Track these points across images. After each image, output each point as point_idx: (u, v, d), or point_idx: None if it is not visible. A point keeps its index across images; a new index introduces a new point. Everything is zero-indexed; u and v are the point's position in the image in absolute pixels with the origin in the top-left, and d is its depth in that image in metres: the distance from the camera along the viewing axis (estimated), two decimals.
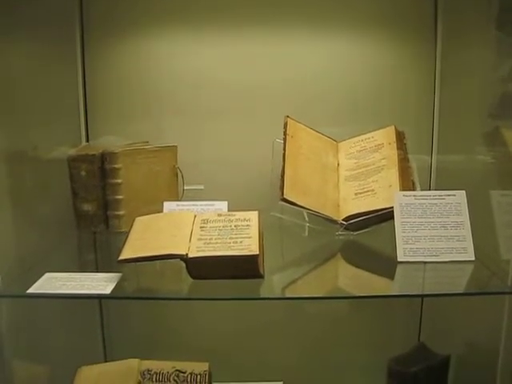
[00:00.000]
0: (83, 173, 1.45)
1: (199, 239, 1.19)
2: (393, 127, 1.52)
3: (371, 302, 1.66)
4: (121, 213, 1.45)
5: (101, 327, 1.72)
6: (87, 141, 1.64)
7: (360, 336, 1.72)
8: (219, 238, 1.19)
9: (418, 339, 1.70)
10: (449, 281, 1.27)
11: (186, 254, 1.15)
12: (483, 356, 1.45)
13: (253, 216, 1.25)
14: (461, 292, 1.24)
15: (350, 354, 1.71)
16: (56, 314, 1.51)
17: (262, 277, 1.16)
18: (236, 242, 1.17)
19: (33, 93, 1.38)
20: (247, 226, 1.22)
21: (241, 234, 1.20)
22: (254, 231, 1.20)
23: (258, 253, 1.14)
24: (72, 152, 1.48)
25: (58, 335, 1.54)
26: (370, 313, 1.71)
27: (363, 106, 1.63)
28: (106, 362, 1.63)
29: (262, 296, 1.19)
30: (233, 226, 1.23)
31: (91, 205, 1.47)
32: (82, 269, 1.30)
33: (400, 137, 1.51)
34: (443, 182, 1.61)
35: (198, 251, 1.16)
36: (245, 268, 1.15)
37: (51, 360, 1.49)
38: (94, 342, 1.70)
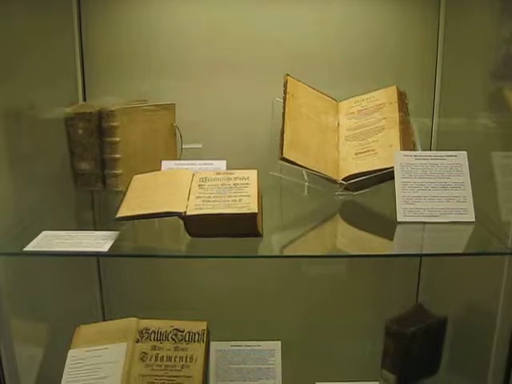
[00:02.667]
0: (80, 131, 1.44)
1: (197, 197, 1.19)
2: (394, 87, 1.50)
3: (370, 263, 1.66)
4: (118, 171, 1.44)
5: (99, 287, 1.72)
6: (84, 101, 1.62)
7: (358, 297, 1.73)
8: (218, 196, 1.19)
9: (416, 300, 1.71)
10: (448, 241, 1.27)
11: (184, 212, 1.14)
12: (481, 317, 1.46)
13: (252, 174, 1.25)
14: (460, 252, 1.23)
15: (349, 315, 1.72)
16: (54, 274, 1.51)
17: (260, 235, 1.16)
18: (235, 201, 1.17)
19: (29, 52, 1.35)
20: (246, 184, 1.22)
21: (239, 193, 1.19)
22: (253, 190, 1.20)
23: (256, 211, 1.13)
24: (69, 110, 1.46)
25: (57, 294, 1.54)
26: (369, 274, 1.71)
27: (365, 67, 1.60)
28: (104, 321, 1.64)
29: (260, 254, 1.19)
30: (231, 185, 1.22)
31: (88, 163, 1.45)
32: (80, 227, 1.29)
33: (401, 97, 1.49)
34: (444, 145, 1.59)
35: (196, 209, 1.15)
36: (243, 226, 1.14)
37: (50, 319, 1.50)
38: (92, 301, 1.71)
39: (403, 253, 1.31)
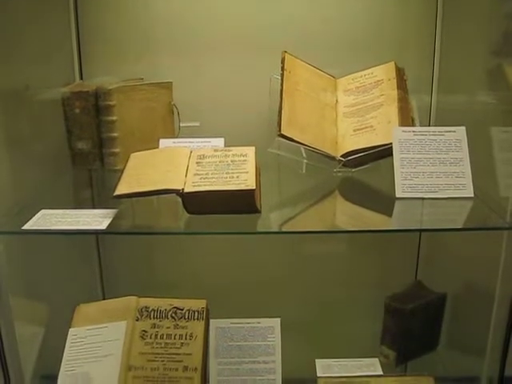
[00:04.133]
0: (77, 110, 1.43)
1: (195, 174, 1.19)
2: (393, 63, 1.48)
3: (369, 240, 1.66)
4: (116, 150, 1.44)
5: (99, 265, 1.72)
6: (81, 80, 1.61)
7: (358, 274, 1.73)
8: (215, 173, 1.18)
9: (415, 277, 1.71)
10: (447, 217, 1.27)
11: (182, 189, 1.14)
12: (479, 293, 1.46)
13: (249, 151, 1.24)
14: (459, 227, 1.23)
15: (348, 292, 1.72)
16: (54, 253, 1.51)
17: (258, 212, 1.16)
18: (232, 177, 1.17)
19: (26, 32, 1.35)
20: (244, 161, 1.21)
21: (237, 169, 1.19)
22: (251, 166, 1.20)
23: (254, 187, 1.13)
24: (65, 89, 1.45)
25: (57, 273, 1.55)
26: (368, 251, 1.71)
27: (363, 44, 1.59)
28: (104, 299, 1.64)
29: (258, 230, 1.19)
30: (229, 162, 1.22)
31: (86, 143, 1.45)
32: (78, 206, 1.29)
33: (400, 73, 1.48)
34: (443, 121, 1.58)
35: (194, 186, 1.15)
36: (241, 203, 1.14)
37: (50, 298, 1.50)
38: (92, 279, 1.71)
39: (402, 228, 1.31)
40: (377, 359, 1.51)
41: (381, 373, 1.47)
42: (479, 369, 1.37)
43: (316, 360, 1.49)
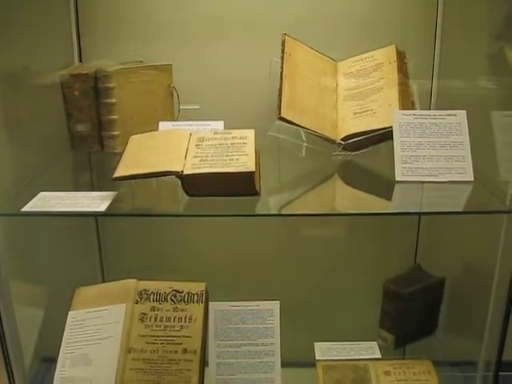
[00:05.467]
0: (76, 93, 1.42)
1: (195, 157, 1.18)
2: (393, 46, 1.47)
3: (368, 224, 1.67)
4: (115, 133, 1.43)
5: (98, 248, 1.72)
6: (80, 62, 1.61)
7: (357, 258, 1.73)
8: (215, 156, 1.18)
9: (415, 261, 1.71)
10: (447, 200, 1.27)
11: (182, 171, 1.14)
12: (478, 277, 1.47)
13: (249, 134, 1.24)
14: (459, 210, 1.23)
15: (347, 276, 1.72)
16: (53, 236, 1.51)
17: (258, 194, 1.16)
18: (232, 160, 1.16)
19: (25, 14, 1.34)
20: (243, 143, 1.21)
21: (237, 152, 1.19)
22: (251, 149, 1.19)
23: (254, 170, 1.13)
24: (64, 72, 1.45)
25: (56, 256, 1.55)
26: (367, 235, 1.71)
27: (364, 28, 1.57)
28: (103, 282, 1.64)
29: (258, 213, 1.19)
30: (229, 144, 1.21)
31: (85, 125, 1.44)
32: (77, 189, 1.29)
33: (401, 56, 1.48)
34: (443, 106, 1.58)
35: (193, 168, 1.15)
36: (241, 185, 1.14)
37: (49, 281, 1.51)
38: (91, 263, 1.71)
39: (402, 211, 1.31)
40: (375, 342, 1.52)
41: (379, 356, 1.48)
42: (477, 353, 1.38)
43: (315, 343, 1.50)
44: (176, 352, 1.35)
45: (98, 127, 1.44)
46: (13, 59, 1.32)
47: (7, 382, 1.31)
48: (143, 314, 1.39)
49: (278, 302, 1.41)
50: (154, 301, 1.41)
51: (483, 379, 1.37)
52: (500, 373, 1.31)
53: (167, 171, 1.14)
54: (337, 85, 1.49)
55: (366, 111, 1.40)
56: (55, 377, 1.33)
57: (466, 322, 1.53)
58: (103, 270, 1.73)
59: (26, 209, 1.15)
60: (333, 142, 1.39)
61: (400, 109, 1.35)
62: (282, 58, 1.41)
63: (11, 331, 1.28)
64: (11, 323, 1.28)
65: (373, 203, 1.30)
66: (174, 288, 1.42)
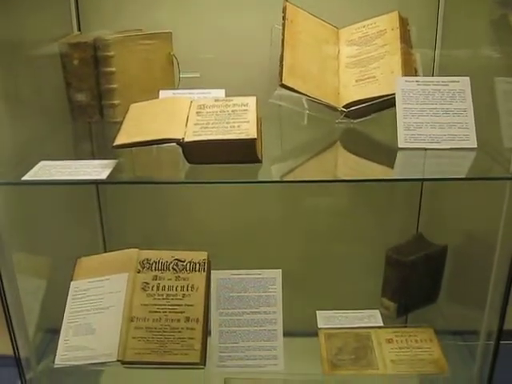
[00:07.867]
0: (75, 61, 1.41)
1: (196, 124, 1.18)
2: (396, 12, 1.45)
3: (370, 192, 1.66)
4: (115, 102, 1.42)
5: (100, 218, 1.72)
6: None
7: (359, 226, 1.72)
8: (216, 123, 1.17)
9: (417, 230, 1.71)
10: (450, 167, 1.26)
11: (183, 139, 1.14)
12: (481, 246, 1.47)
13: (250, 101, 1.23)
14: (462, 177, 1.23)
15: (349, 244, 1.72)
16: (54, 205, 1.51)
17: (259, 161, 1.16)
18: (233, 127, 1.16)
19: None
20: (245, 110, 1.20)
21: (238, 119, 1.18)
22: (252, 116, 1.18)
23: (255, 136, 1.13)
24: (63, 40, 1.43)
25: (57, 226, 1.55)
26: (370, 203, 1.71)
27: None
28: (105, 252, 1.64)
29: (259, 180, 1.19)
30: (230, 111, 1.21)
31: (85, 94, 1.43)
32: (78, 158, 1.28)
33: (404, 23, 1.45)
34: (446, 74, 1.57)
35: (194, 135, 1.14)
36: (242, 152, 1.14)
37: (51, 251, 1.51)
38: (93, 232, 1.71)
39: (404, 177, 1.31)
40: (377, 311, 1.53)
41: (381, 324, 1.49)
42: (479, 321, 1.38)
43: (317, 311, 1.50)
44: (178, 320, 1.35)
45: (97, 96, 1.43)
46: (11, 30, 1.31)
47: (12, 352, 1.32)
48: (145, 283, 1.39)
49: (280, 270, 1.41)
50: (155, 270, 1.41)
51: (484, 348, 1.37)
52: (501, 342, 1.31)
53: (168, 138, 1.14)
54: (339, 52, 1.47)
55: (369, 78, 1.38)
56: (59, 346, 1.35)
57: (467, 291, 1.53)
58: (105, 239, 1.73)
59: (26, 177, 1.15)
60: (335, 109, 1.37)
61: (403, 75, 1.33)
62: (284, 24, 1.39)
63: (14, 301, 1.29)
64: (14, 293, 1.29)
65: (375, 170, 1.29)
66: (176, 257, 1.42)
